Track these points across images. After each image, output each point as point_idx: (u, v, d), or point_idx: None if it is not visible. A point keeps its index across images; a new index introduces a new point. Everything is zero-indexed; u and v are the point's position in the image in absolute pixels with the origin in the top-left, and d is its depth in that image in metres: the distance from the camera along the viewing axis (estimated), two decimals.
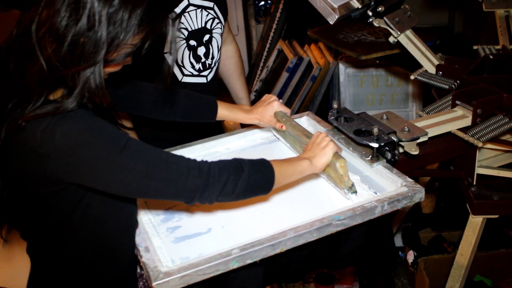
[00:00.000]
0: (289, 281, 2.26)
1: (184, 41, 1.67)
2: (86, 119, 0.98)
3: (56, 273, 1.16)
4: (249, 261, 1.07)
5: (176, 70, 1.69)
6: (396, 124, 1.42)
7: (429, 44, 1.89)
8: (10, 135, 0.98)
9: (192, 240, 1.19)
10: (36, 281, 1.19)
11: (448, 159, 1.62)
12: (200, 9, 1.68)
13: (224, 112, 1.47)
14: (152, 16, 0.99)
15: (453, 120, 1.47)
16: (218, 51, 1.78)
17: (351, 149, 1.43)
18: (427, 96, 2.89)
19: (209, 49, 1.74)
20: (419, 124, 1.44)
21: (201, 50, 1.72)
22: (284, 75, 3.19)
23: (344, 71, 3.03)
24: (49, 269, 1.16)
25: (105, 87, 0.99)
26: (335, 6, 1.61)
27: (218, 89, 1.87)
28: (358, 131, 1.40)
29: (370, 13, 1.68)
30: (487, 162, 1.59)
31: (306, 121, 1.67)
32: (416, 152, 1.32)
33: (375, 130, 1.33)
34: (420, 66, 1.78)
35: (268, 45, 3.73)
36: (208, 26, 1.71)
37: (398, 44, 1.76)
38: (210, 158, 1.51)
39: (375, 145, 1.33)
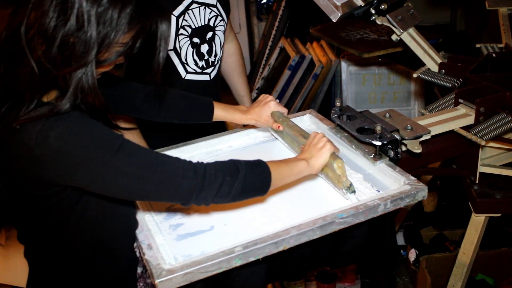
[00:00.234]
0: (291, 279, 2.26)
1: (188, 38, 1.67)
2: (80, 121, 0.98)
3: (55, 273, 1.16)
4: (252, 259, 1.07)
5: (180, 68, 1.70)
6: (399, 122, 1.42)
7: (432, 42, 1.89)
8: (5, 138, 0.97)
9: (195, 238, 1.19)
10: (35, 282, 1.19)
11: (450, 158, 1.62)
12: (203, 7, 1.68)
13: (220, 112, 1.46)
14: (142, 14, 0.98)
15: (456, 118, 1.47)
16: (221, 48, 1.78)
17: (353, 147, 1.43)
18: (430, 95, 2.89)
19: (212, 46, 1.74)
20: (422, 122, 1.44)
21: (204, 48, 1.72)
22: (286, 73, 3.19)
23: (346, 69, 3.03)
24: (48, 270, 1.16)
25: (98, 87, 0.98)
26: (338, 3, 1.61)
27: (221, 87, 1.88)
28: (361, 129, 1.40)
29: (372, 11, 1.68)
30: (490, 161, 1.59)
31: (308, 119, 1.66)
32: (419, 151, 1.32)
33: (378, 128, 1.33)
34: (423, 64, 1.77)
35: (270, 43, 3.73)
36: (211, 23, 1.71)
37: (400, 42, 1.76)
38: (212, 156, 1.53)
39: (378, 143, 1.33)
